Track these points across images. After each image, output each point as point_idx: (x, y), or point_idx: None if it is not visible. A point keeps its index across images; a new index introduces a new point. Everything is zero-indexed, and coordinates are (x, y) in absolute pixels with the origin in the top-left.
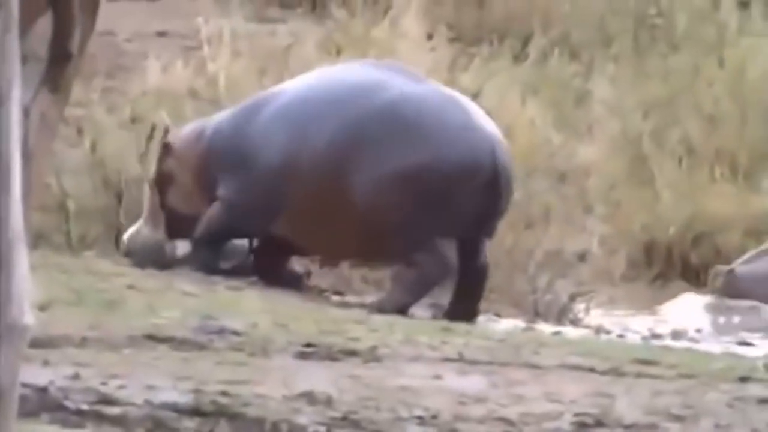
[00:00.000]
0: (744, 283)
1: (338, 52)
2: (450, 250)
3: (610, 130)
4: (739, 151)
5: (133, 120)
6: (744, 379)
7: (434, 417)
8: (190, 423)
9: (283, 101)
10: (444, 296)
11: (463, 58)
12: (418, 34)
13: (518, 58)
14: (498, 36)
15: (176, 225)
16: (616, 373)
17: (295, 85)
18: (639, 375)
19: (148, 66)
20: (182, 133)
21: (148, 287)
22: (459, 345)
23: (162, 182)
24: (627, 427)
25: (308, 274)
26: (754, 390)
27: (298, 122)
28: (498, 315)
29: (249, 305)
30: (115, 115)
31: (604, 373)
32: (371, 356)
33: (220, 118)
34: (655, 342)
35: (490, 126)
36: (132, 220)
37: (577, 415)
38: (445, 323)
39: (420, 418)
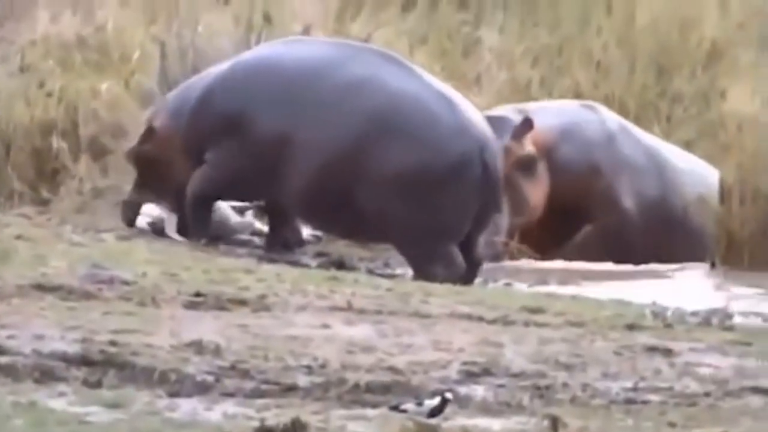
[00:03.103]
0: None
1: (226, 1)
2: (457, 254)
3: (499, 78)
4: (627, 98)
5: (23, 69)
6: (631, 327)
7: (323, 366)
8: (78, 372)
9: (281, 76)
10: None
11: (351, 7)
12: None
13: (407, 6)
14: None
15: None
16: (504, 321)
17: (284, 55)
18: (527, 323)
19: (37, 15)
20: (161, 111)
21: (37, 237)
22: (347, 294)
23: (144, 163)
24: (514, 375)
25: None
26: (642, 338)
27: (294, 102)
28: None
29: (138, 255)
30: (4, 63)
31: (492, 321)
32: (260, 305)
33: (202, 84)
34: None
35: (479, 124)
36: (19, 170)
37: (464, 363)
38: (333, 272)
39: (308, 367)
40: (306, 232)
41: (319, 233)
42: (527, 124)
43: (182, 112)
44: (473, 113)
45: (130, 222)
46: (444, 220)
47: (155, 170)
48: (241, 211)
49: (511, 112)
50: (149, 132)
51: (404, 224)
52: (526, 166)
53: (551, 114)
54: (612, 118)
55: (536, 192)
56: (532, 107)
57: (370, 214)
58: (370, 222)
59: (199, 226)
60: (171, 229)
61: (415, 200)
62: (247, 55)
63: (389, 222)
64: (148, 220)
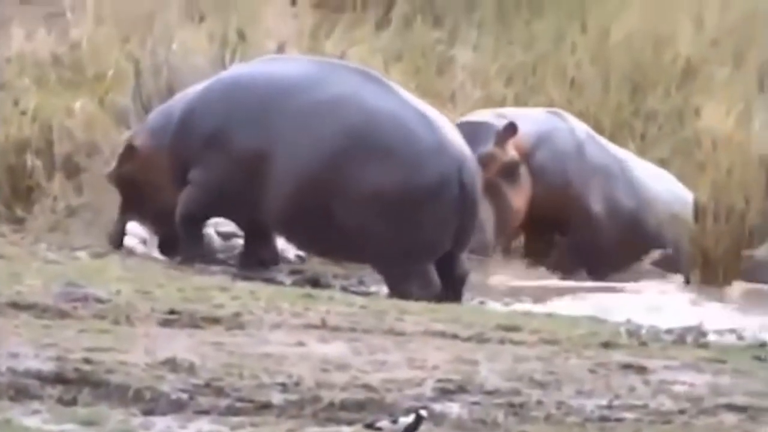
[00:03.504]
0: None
1: (201, 18)
2: (433, 274)
3: (474, 96)
4: (602, 116)
5: None
6: (606, 345)
7: (297, 384)
8: (53, 390)
9: (259, 93)
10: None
11: (326, 24)
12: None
13: (381, 24)
14: (361, 2)
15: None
16: (479, 339)
17: (264, 73)
18: (502, 341)
19: (12, 32)
20: (142, 131)
21: (11, 255)
22: (322, 312)
23: (127, 184)
24: (489, 393)
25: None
26: (616, 356)
27: (274, 119)
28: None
29: (112, 273)
30: None
31: (466, 339)
32: (234, 323)
33: (184, 102)
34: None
35: (457, 143)
36: None
37: (439, 381)
38: (307, 290)
39: (283, 384)
40: (291, 252)
41: (303, 253)
42: (511, 129)
43: (164, 131)
44: (452, 132)
45: (118, 245)
46: (421, 239)
47: (137, 190)
48: (226, 237)
49: (491, 117)
50: (129, 151)
51: (381, 242)
52: (510, 171)
53: (526, 120)
54: (580, 127)
55: (519, 197)
56: (507, 113)
57: (348, 232)
58: (348, 240)
59: (191, 246)
60: (153, 249)
61: (393, 219)
62: (226, 73)
63: (366, 240)
64: (136, 240)
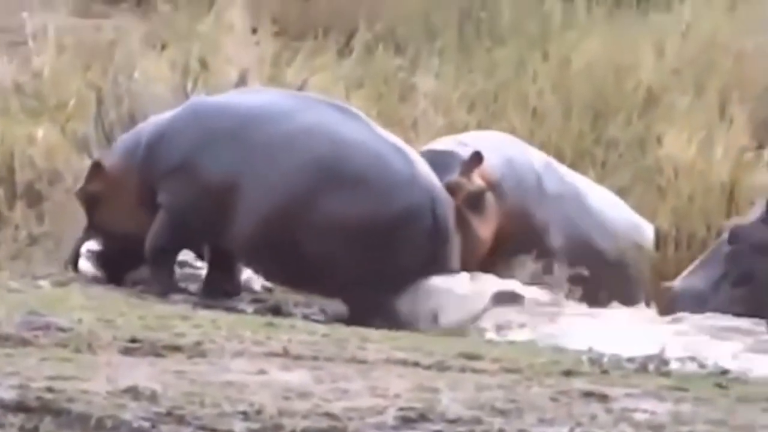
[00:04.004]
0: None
1: (163, 47)
2: (398, 309)
3: (436, 123)
4: (563, 144)
5: None
6: (568, 373)
7: (259, 412)
8: (14, 419)
9: (229, 122)
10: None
11: (287, 52)
12: (242, 27)
13: (343, 52)
14: (323, 30)
15: (112, 245)
16: (441, 367)
17: (236, 101)
18: (463, 369)
19: None
20: (112, 151)
21: None
22: (283, 340)
23: (93, 203)
24: (451, 421)
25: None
26: (578, 384)
27: (243, 148)
28: None
29: (74, 301)
30: None
31: (428, 367)
32: (196, 351)
33: (154, 126)
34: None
35: (429, 176)
36: None
37: (401, 409)
38: (269, 318)
39: (244, 413)
40: (258, 283)
41: (269, 284)
42: (477, 158)
43: (132, 153)
44: (423, 165)
45: (74, 264)
46: (391, 272)
47: (101, 209)
48: (181, 265)
49: (455, 145)
50: (96, 169)
51: (350, 274)
52: (476, 200)
53: (489, 148)
54: (538, 155)
55: (485, 227)
56: (468, 140)
57: (317, 263)
58: (317, 272)
59: (162, 279)
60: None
61: (362, 250)
62: (198, 100)
63: (335, 272)
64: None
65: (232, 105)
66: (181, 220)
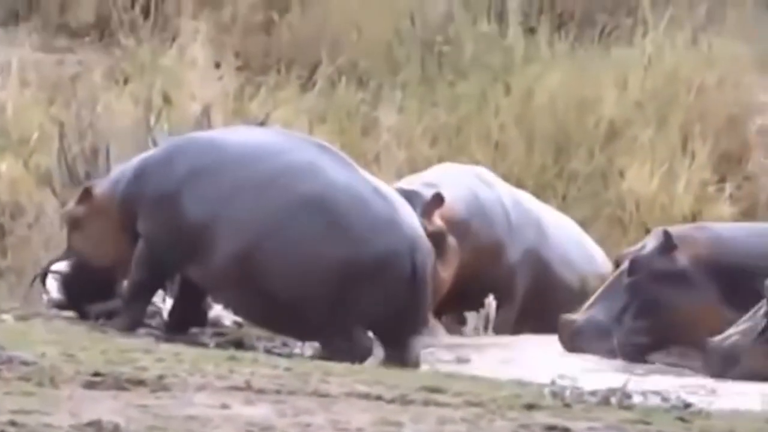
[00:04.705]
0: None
1: (126, 81)
2: (366, 339)
3: (399, 157)
4: (525, 178)
5: None
6: (530, 407)
7: None
8: None
9: (212, 159)
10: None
11: (250, 86)
12: (205, 62)
13: (306, 86)
14: (285, 64)
15: (83, 272)
16: (404, 401)
17: (221, 137)
18: (426, 403)
19: None
20: (103, 180)
21: None
22: (246, 374)
23: (75, 226)
24: None
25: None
26: (541, 417)
27: (225, 186)
28: None
29: (37, 336)
30: None
31: (391, 401)
32: (159, 385)
33: (140, 160)
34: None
35: (412, 222)
36: None
37: None
38: (231, 352)
39: None
40: (228, 319)
41: (239, 320)
42: (438, 199)
43: (118, 183)
44: (407, 211)
45: (42, 280)
46: (363, 315)
47: (81, 233)
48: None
49: (420, 186)
50: (85, 194)
51: (323, 316)
52: (436, 242)
53: (455, 184)
54: (503, 188)
55: (446, 268)
56: (435, 179)
57: (291, 303)
58: (290, 312)
59: (134, 313)
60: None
61: (337, 293)
62: (184, 137)
63: (308, 313)
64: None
65: (217, 142)
66: (159, 252)
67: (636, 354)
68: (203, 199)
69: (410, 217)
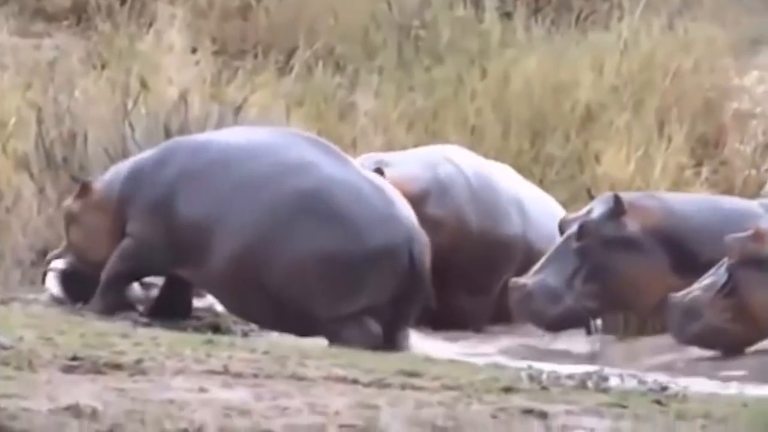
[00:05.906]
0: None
1: (103, 66)
2: (374, 325)
3: (375, 142)
4: (502, 161)
5: None
6: (507, 390)
7: (200, 430)
8: None
9: (209, 159)
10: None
11: (227, 71)
12: (182, 47)
13: (283, 70)
14: (262, 49)
15: (79, 267)
16: (381, 384)
17: (219, 136)
18: (403, 386)
19: None
20: (102, 178)
21: None
22: (224, 358)
23: (71, 221)
24: None
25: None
26: (518, 400)
27: (221, 186)
28: None
29: (15, 320)
30: None
31: (368, 384)
32: (136, 369)
33: (134, 161)
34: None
35: (408, 215)
36: None
37: (341, 426)
38: (209, 336)
39: (185, 430)
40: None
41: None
42: (380, 174)
43: (113, 182)
44: (403, 205)
45: (43, 278)
46: (362, 307)
47: (77, 229)
48: (148, 287)
49: (368, 162)
50: (84, 189)
51: (324, 308)
52: None
53: (411, 163)
54: (468, 164)
55: None
56: (390, 158)
57: (292, 298)
58: (291, 307)
59: (107, 300)
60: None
61: (338, 285)
62: (182, 138)
63: (309, 305)
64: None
65: (213, 143)
66: (148, 254)
67: (586, 318)
68: (197, 201)
69: (406, 209)
